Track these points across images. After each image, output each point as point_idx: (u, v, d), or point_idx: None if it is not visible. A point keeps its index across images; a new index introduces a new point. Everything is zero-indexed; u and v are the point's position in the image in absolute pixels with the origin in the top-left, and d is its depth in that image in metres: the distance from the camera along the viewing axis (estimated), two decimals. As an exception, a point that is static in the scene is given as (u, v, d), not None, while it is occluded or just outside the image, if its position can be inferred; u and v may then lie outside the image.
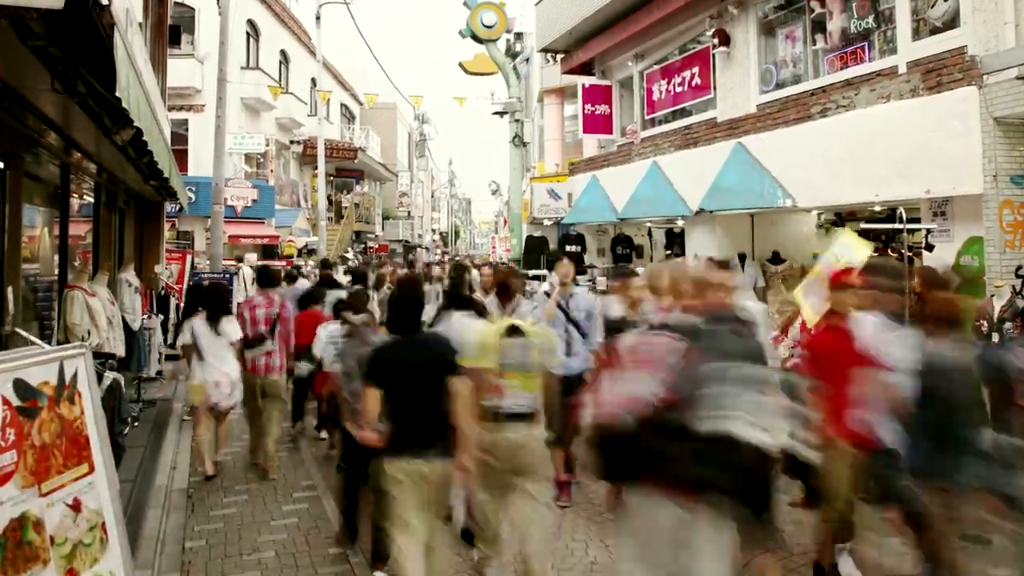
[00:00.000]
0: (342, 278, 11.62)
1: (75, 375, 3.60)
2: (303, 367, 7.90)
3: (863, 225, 10.63)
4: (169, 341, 12.39)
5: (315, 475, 7.24)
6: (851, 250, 6.08)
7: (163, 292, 12.73)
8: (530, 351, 4.28)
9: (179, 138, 21.94)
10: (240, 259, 19.27)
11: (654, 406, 3.12)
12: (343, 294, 7.66)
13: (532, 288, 9.05)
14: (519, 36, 24.00)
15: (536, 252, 17.84)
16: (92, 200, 10.24)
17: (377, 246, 39.22)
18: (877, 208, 9.84)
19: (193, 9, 22.76)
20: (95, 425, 3.68)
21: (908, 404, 3.95)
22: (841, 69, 10.07)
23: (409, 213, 46.10)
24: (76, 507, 3.43)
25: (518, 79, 19.30)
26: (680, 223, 13.63)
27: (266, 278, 7.81)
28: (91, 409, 3.68)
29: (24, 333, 4.26)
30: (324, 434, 8.37)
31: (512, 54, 20.39)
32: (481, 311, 5.64)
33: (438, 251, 53.44)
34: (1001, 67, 7.32)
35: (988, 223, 7.61)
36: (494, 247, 41.90)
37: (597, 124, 16.30)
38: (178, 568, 5.17)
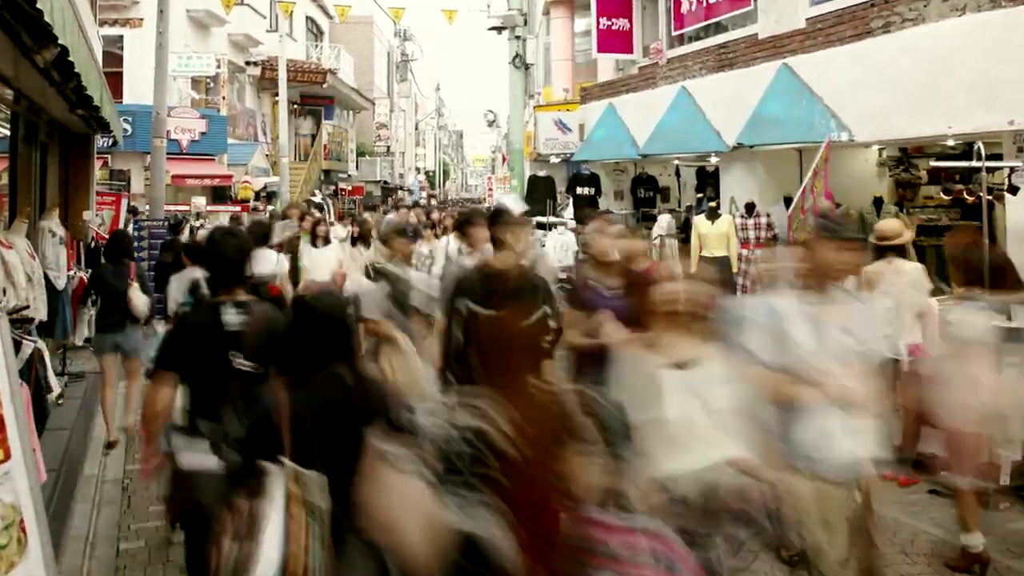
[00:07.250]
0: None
1: (-15, 344, 3.57)
2: None
3: (933, 163, 10.58)
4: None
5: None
6: None
7: (93, 244, 12.66)
8: None
9: (113, 58, 21.70)
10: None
11: None
12: None
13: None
14: (521, -67, 23.63)
15: (541, 195, 17.74)
16: (8, 133, 10.15)
17: (351, 188, 39.01)
18: (950, 143, 9.77)
19: (126, -100, 22.37)
20: (12, 403, 3.66)
21: None
22: (910, -27, 9.90)
23: (388, 148, 45.74)
24: (-12, 502, 3.41)
25: (519, -14, 19.03)
26: (714, 160, 13.54)
27: None
28: (7, 384, 3.65)
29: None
30: None
31: (512, -45, 20.08)
32: None
33: (424, 193, 53.23)
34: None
35: (1084, 161, 7.55)
36: (491, 189, 41.78)
37: (614, 42, 16.12)
38: (111, 574, 5.18)
